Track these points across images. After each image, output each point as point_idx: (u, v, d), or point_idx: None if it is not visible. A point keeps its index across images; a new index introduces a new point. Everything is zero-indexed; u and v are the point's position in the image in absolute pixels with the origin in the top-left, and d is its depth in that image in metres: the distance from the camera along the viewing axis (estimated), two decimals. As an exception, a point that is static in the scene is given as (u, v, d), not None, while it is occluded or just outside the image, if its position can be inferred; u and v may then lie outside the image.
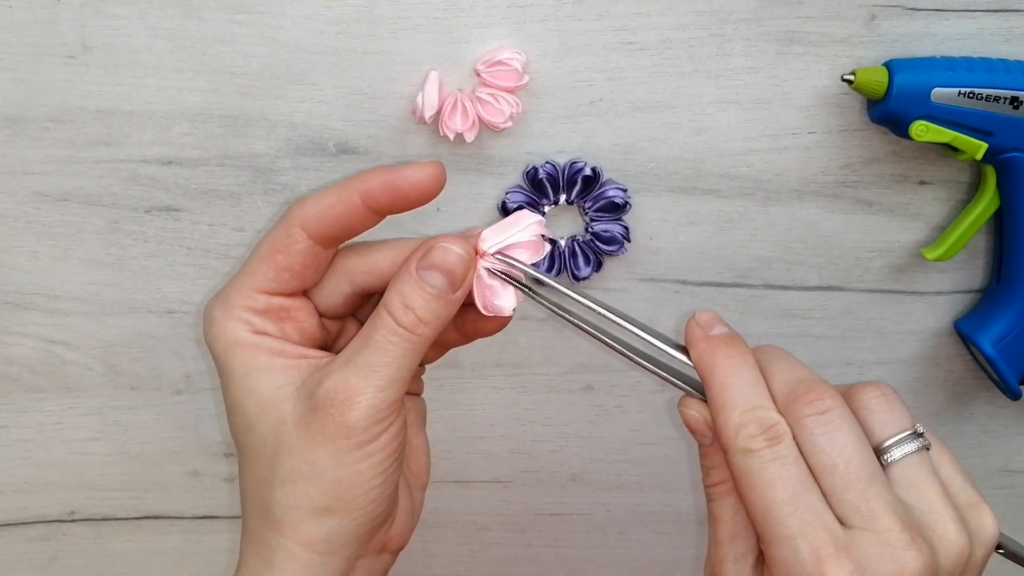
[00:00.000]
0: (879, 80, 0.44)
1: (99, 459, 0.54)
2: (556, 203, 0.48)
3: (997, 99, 0.44)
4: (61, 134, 0.47)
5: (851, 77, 0.45)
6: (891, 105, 0.44)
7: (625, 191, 0.48)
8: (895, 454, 0.33)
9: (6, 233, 0.49)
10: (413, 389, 0.42)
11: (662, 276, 0.51)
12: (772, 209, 0.50)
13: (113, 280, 0.50)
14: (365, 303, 0.40)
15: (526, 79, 0.46)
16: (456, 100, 0.46)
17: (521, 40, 0.46)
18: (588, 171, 0.47)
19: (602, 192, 0.48)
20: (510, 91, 0.46)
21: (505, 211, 0.48)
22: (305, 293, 0.38)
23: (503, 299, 0.37)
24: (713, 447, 0.35)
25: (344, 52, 0.46)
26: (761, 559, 0.34)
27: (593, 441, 0.55)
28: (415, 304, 0.35)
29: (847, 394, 0.35)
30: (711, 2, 0.46)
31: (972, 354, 0.52)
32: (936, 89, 0.44)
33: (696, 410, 0.36)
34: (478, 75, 0.46)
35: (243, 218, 0.49)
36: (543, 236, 0.37)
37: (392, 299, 0.35)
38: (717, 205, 0.49)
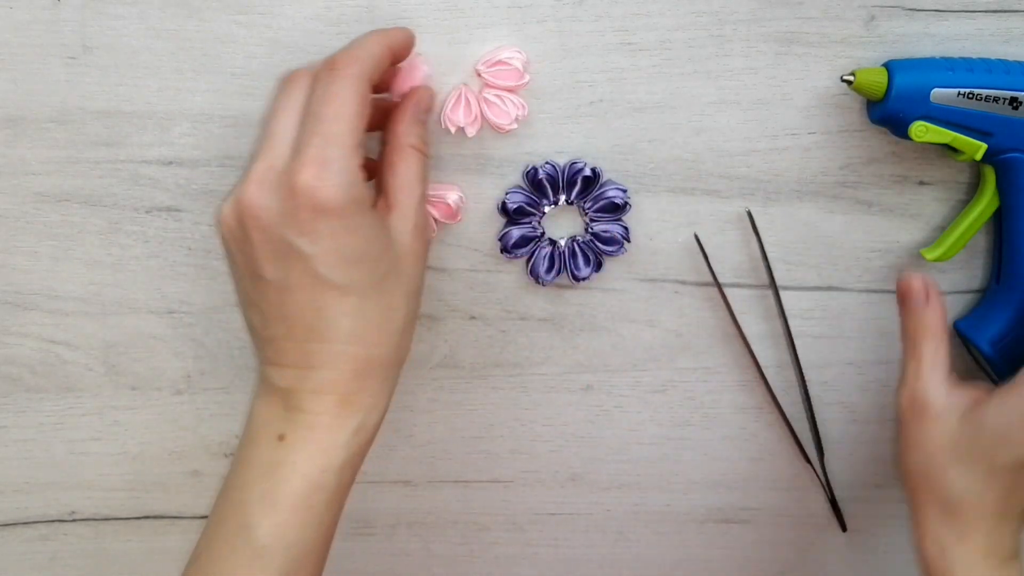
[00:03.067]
0: (878, 81, 0.44)
1: (99, 459, 0.54)
2: (556, 203, 0.48)
3: (996, 99, 0.44)
4: (61, 134, 0.47)
5: (850, 78, 0.45)
6: (890, 106, 0.44)
7: (625, 191, 0.48)
8: None
9: (6, 233, 0.49)
10: None
11: (662, 276, 0.51)
12: (772, 209, 0.50)
13: (113, 280, 0.50)
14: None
15: (527, 78, 0.46)
16: (460, 94, 0.46)
17: (521, 41, 0.46)
18: (588, 171, 0.47)
19: (602, 192, 0.48)
20: (511, 91, 0.46)
21: (505, 211, 0.48)
22: None
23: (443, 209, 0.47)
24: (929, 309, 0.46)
25: (344, 52, 0.46)
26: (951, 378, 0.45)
27: (593, 441, 0.55)
28: (423, 136, 0.44)
29: None
30: (711, 3, 0.46)
31: (971, 354, 0.52)
32: (935, 90, 0.44)
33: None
34: (479, 75, 0.46)
35: (243, 218, 0.49)
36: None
37: (410, 137, 0.44)
38: (717, 205, 0.50)
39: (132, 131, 0.47)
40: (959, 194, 0.50)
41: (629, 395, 0.54)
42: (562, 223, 0.50)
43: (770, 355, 0.53)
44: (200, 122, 0.47)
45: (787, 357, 0.53)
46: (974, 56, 0.46)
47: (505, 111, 0.46)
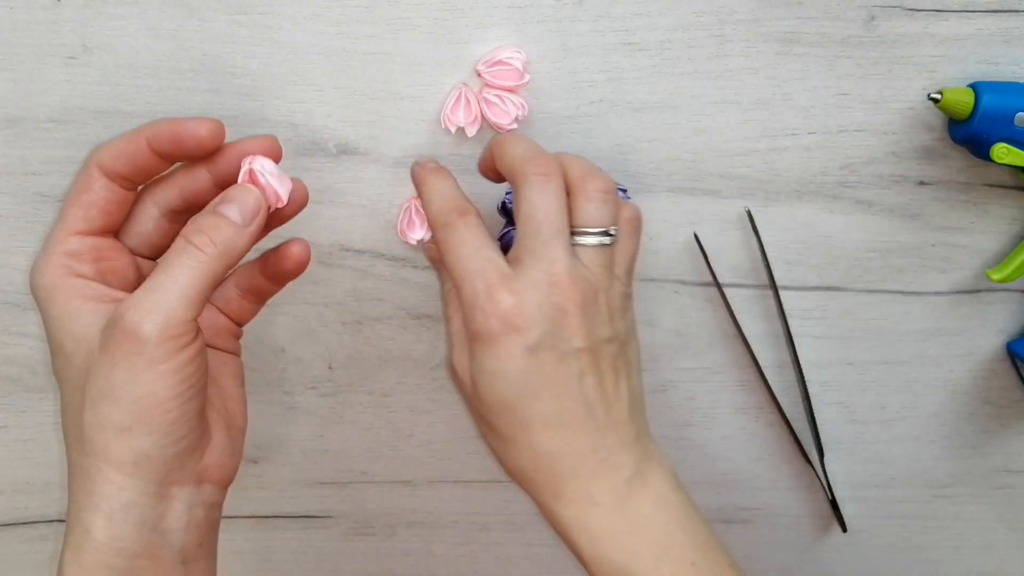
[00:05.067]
0: (965, 101, 0.45)
1: (99, 459, 0.54)
2: (556, 203, 0.48)
3: None
4: (61, 134, 0.47)
5: (937, 96, 0.45)
6: (975, 126, 0.45)
7: (625, 191, 0.48)
8: (584, 240, 0.41)
9: (6, 233, 0.49)
10: (230, 348, 0.45)
11: (662, 276, 0.51)
12: (772, 209, 0.50)
13: (113, 280, 0.50)
14: (177, 230, 0.41)
15: (527, 78, 0.46)
16: (460, 94, 0.46)
17: (521, 41, 0.46)
18: (588, 171, 0.47)
19: (602, 192, 0.48)
20: (511, 91, 0.46)
21: (505, 211, 0.48)
22: (117, 236, 0.41)
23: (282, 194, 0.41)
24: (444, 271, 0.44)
25: (344, 53, 0.46)
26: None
27: (593, 441, 0.55)
28: (206, 227, 0.38)
29: (577, 176, 0.42)
30: (711, 3, 0.46)
31: (1020, 374, 0.52)
32: (1020, 114, 0.45)
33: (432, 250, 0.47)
34: (479, 75, 0.46)
35: (243, 218, 0.49)
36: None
37: (187, 227, 0.38)
38: (717, 205, 0.50)
39: (132, 131, 0.47)
40: (959, 194, 0.50)
41: (629, 395, 0.54)
42: (562, 223, 0.50)
43: (770, 355, 0.53)
44: (200, 122, 0.47)
45: (787, 357, 0.53)
46: (974, 56, 0.46)
47: (505, 111, 0.46)
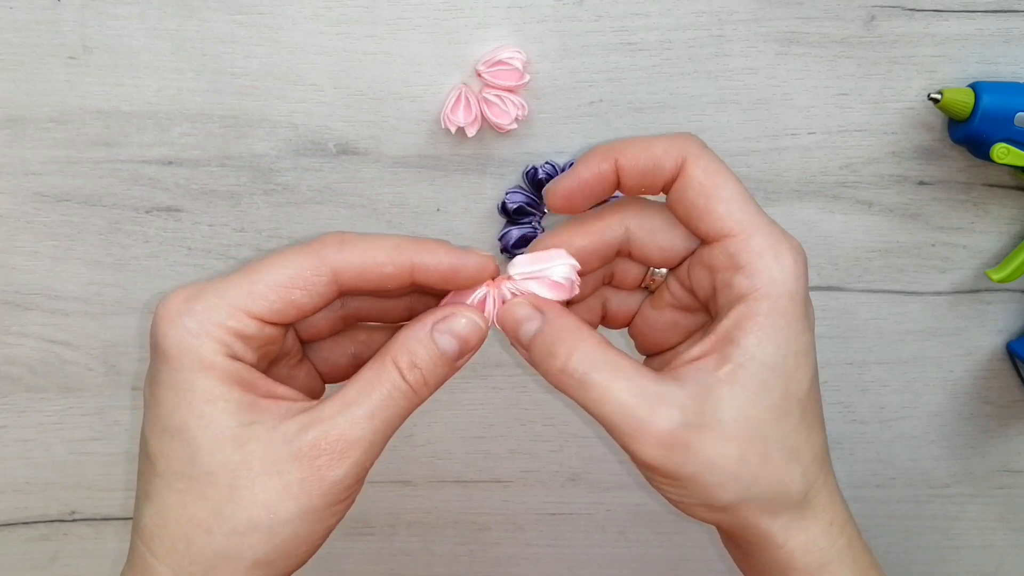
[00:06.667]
0: (965, 101, 0.45)
1: (99, 459, 0.54)
2: (556, 203, 0.48)
3: None
4: (62, 134, 0.47)
5: (937, 96, 0.45)
6: (975, 126, 0.45)
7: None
8: None
9: (7, 233, 0.49)
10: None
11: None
12: (772, 209, 0.50)
13: (113, 280, 0.50)
14: (344, 328, 0.37)
15: (527, 78, 0.46)
16: (460, 94, 0.46)
17: (521, 41, 0.46)
18: (588, 171, 0.47)
19: (602, 192, 0.48)
20: (511, 91, 0.46)
21: (505, 211, 0.48)
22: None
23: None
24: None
25: (344, 53, 0.46)
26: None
27: (593, 441, 0.55)
28: (424, 364, 0.33)
29: None
30: (711, 3, 0.46)
31: (1020, 374, 0.52)
32: (1020, 113, 0.45)
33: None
34: (479, 75, 0.46)
35: (244, 219, 0.49)
36: (574, 281, 0.36)
37: (401, 354, 0.33)
38: (717, 205, 0.50)
39: (132, 131, 0.47)
40: (959, 194, 0.50)
41: (629, 395, 0.54)
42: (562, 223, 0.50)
43: (770, 355, 0.53)
44: (200, 122, 0.47)
45: (787, 357, 0.53)
46: (974, 56, 0.46)
47: (505, 111, 0.46)
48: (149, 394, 0.33)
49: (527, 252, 0.36)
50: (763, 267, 0.34)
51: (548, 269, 0.35)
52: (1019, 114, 0.45)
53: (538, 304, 0.35)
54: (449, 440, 0.55)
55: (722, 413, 0.32)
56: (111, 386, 0.53)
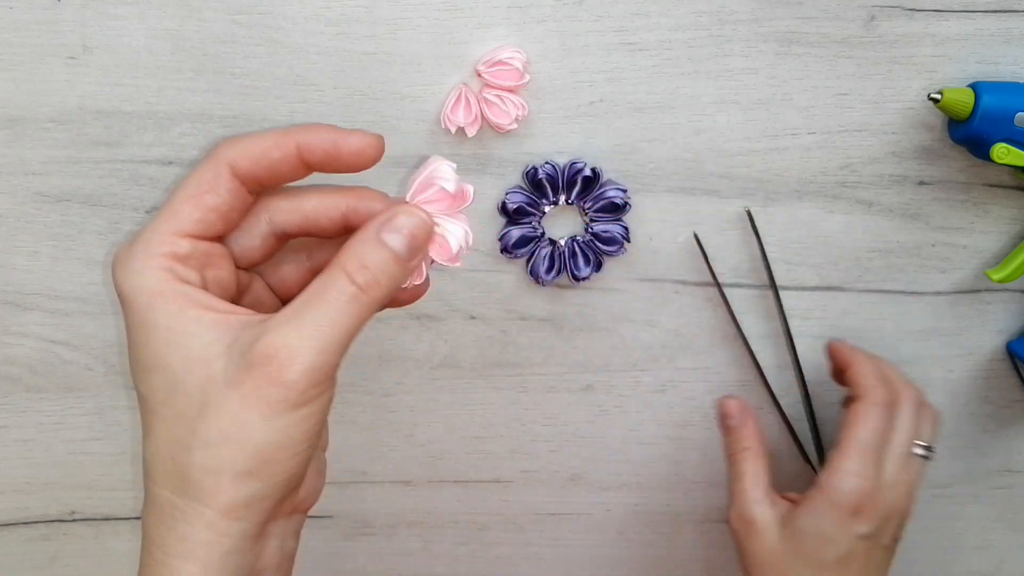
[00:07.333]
0: (965, 101, 0.45)
1: (99, 459, 0.54)
2: (556, 203, 0.48)
3: None
4: (62, 134, 0.47)
5: (937, 96, 0.45)
6: (975, 126, 0.45)
7: (625, 191, 0.48)
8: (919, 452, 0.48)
9: (7, 233, 0.49)
10: None
11: (662, 276, 0.51)
12: (772, 209, 0.50)
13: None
14: (279, 248, 0.38)
15: (527, 78, 0.46)
16: (460, 94, 0.46)
17: (521, 41, 0.46)
18: (588, 171, 0.47)
19: (602, 192, 0.48)
20: (511, 91, 0.46)
21: (505, 211, 0.48)
22: (221, 240, 0.36)
23: (444, 251, 0.36)
24: (745, 429, 0.50)
25: (344, 53, 0.46)
26: (771, 492, 0.48)
27: (593, 441, 0.55)
28: (373, 264, 0.33)
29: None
30: (711, 3, 0.46)
31: (1020, 375, 0.52)
32: (1020, 113, 0.45)
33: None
34: (479, 75, 0.46)
35: (243, 218, 0.49)
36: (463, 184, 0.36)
37: (348, 258, 0.34)
38: (717, 205, 0.50)
39: (132, 131, 0.47)
40: (959, 194, 0.50)
41: (629, 395, 0.54)
42: (562, 223, 0.50)
43: (770, 355, 0.53)
44: (200, 122, 0.47)
45: (787, 357, 0.53)
46: (974, 56, 0.46)
47: (505, 111, 0.46)
48: (128, 343, 0.34)
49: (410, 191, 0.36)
50: None
51: (424, 175, 0.35)
52: (1019, 114, 0.45)
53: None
54: (449, 440, 0.55)
55: None
56: (111, 386, 0.53)
